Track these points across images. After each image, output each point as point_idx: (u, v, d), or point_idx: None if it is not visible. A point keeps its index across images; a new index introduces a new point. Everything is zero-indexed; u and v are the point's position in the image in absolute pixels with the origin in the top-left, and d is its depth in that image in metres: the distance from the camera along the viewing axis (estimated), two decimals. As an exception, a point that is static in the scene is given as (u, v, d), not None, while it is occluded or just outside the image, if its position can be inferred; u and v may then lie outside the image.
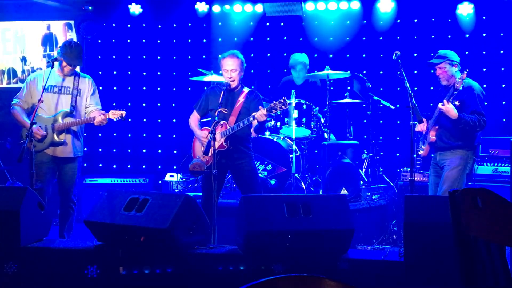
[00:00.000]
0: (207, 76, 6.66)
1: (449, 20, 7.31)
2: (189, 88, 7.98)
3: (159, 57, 8.17)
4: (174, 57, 8.15)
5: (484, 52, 7.28)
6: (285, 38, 7.96)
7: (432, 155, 5.24)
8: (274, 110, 4.70)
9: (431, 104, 5.29)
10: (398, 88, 7.26)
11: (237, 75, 4.94)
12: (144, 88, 8.19)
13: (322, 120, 6.39)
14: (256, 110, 4.73)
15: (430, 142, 5.10)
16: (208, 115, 5.28)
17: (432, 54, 5.16)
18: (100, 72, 8.01)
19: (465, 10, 7.12)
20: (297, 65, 6.70)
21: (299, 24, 7.77)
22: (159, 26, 8.03)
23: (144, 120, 8.21)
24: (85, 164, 7.62)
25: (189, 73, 7.49)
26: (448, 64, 5.03)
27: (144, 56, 8.13)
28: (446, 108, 4.81)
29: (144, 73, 8.18)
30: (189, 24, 7.98)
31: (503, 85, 7.25)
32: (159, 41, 8.13)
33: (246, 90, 5.07)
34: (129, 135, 8.25)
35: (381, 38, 7.59)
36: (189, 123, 5.18)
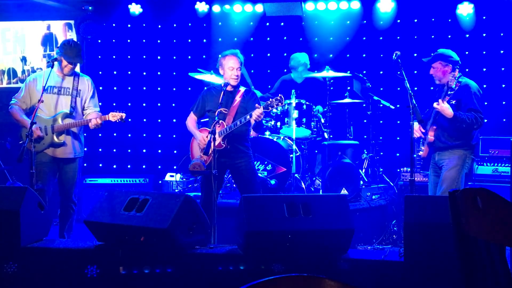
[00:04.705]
0: (206, 74, 6.65)
1: (449, 20, 7.31)
2: (189, 88, 7.98)
3: (159, 57, 8.17)
4: (174, 57, 8.15)
5: (484, 52, 7.28)
6: (285, 38, 7.96)
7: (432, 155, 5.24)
8: (270, 108, 4.74)
9: (427, 110, 5.30)
10: (398, 88, 7.27)
11: (240, 74, 4.98)
12: (144, 88, 8.20)
13: (322, 120, 6.39)
14: (253, 109, 4.76)
15: (429, 142, 5.11)
16: (206, 116, 5.30)
17: (432, 54, 5.18)
18: (100, 72, 8.01)
19: (465, 10, 7.12)
20: (299, 66, 6.70)
21: (299, 24, 7.77)
22: (159, 26, 8.04)
23: (144, 120, 8.21)
24: (85, 164, 7.63)
25: (189, 73, 7.49)
26: (440, 64, 5.04)
27: (144, 56, 8.13)
28: (441, 107, 4.82)
29: (144, 73, 8.18)
30: (189, 24, 7.98)
31: (503, 85, 7.25)
32: (159, 41, 8.13)
33: (242, 89, 5.11)
34: (129, 135, 8.25)
35: (381, 38, 7.59)
36: (187, 124, 5.20)
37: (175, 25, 7.99)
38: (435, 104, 4.86)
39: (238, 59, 4.99)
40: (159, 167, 8.12)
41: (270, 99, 4.74)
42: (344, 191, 6.02)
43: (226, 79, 5.00)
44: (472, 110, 4.89)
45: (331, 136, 6.45)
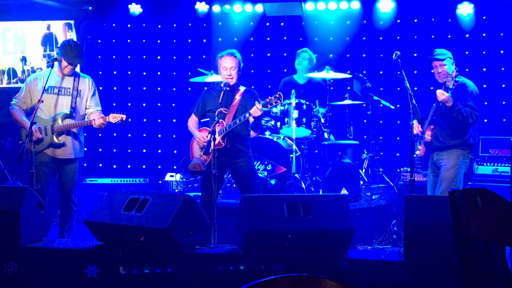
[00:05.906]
0: (207, 76, 6.66)
1: (449, 20, 7.31)
2: (189, 88, 7.98)
3: (159, 57, 8.17)
4: (174, 57, 8.14)
5: (484, 52, 7.28)
6: (285, 38, 7.96)
7: (430, 155, 5.25)
8: (269, 105, 4.73)
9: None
10: (398, 88, 7.26)
11: (235, 73, 4.99)
12: (144, 88, 8.19)
13: (322, 120, 6.39)
14: (252, 107, 4.75)
15: (426, 142, 5.12)
16: (207, 117, 5.30)
17: (429, 56, 5.18)
18: (100, 72, 8.01)
19: (465, 10, 7.12)
20: (302, 53, 6.70)
21: (299, 24, 7.77)
22: (159, 26, 8.03)
23: (144, 120, 8.20)
24: (85, 164, 7.60)
25: (189, 73, 7.49)
26: (438, 61, 5.06)
27: (144, 56, 8.13)
28: (443, 94, 4.79)
29: (144, 73, 8.18)
30: (189, 24, 7.98)
31: (503, 85, 7.25)
32: (159, 41, 8.13)
33: (242, 88, 5.11)
34: (129, 135, 8.25)
35: (381, 38, 7.59)
36: (188, 126, 5.22)
37: (175, 25, 7.98)
38: (438, 91, 4.84)
39: (233, 59, 4.96)
40: (159, 167, 8.12)
41: (269, 97, 4.74)
42: (344, 191, 6.02)
43: (222, 79, 5.02)
44: (468, 106, 4.94)
45: (331, 136, 6.45)
